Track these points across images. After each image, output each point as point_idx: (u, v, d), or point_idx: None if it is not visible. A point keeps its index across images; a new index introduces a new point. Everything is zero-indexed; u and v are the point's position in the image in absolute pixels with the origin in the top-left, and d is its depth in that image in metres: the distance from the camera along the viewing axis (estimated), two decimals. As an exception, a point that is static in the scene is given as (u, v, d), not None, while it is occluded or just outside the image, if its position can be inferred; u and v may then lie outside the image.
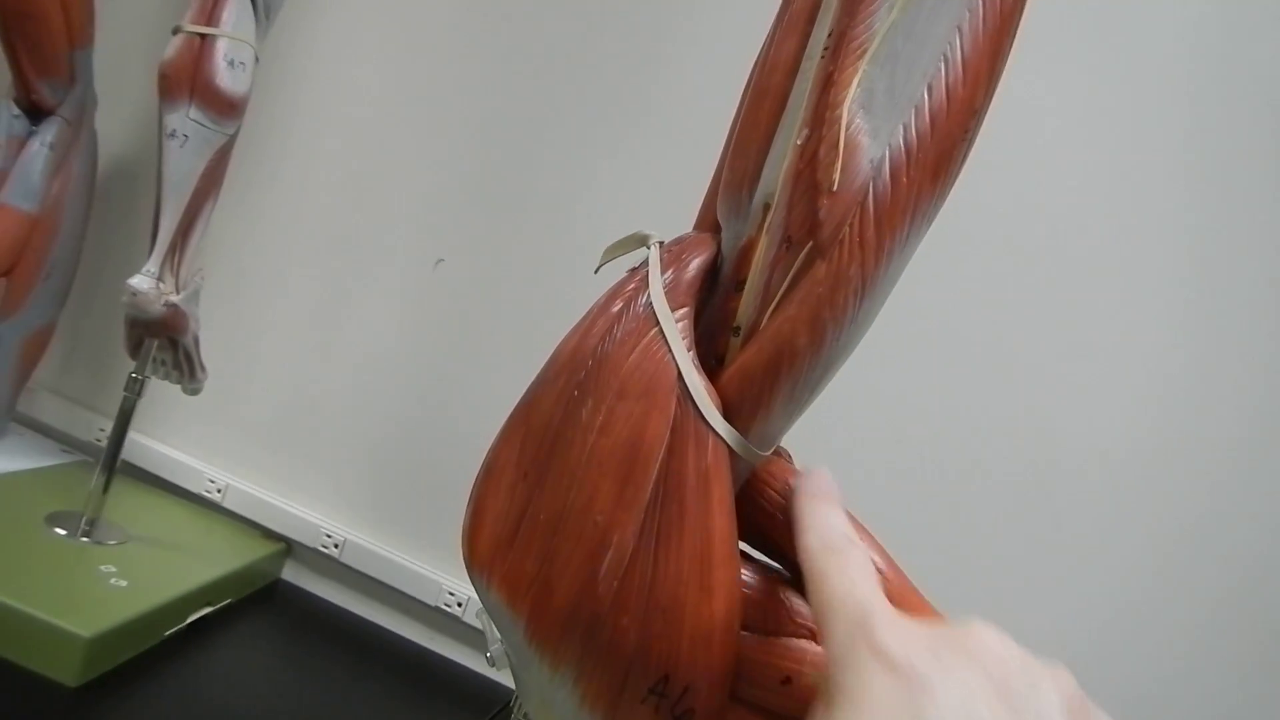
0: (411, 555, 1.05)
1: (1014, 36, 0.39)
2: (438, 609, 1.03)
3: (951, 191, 0.39)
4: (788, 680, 0.38)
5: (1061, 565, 0.95)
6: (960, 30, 0.37)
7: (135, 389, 0.88)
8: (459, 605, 1.02)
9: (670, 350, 0.39)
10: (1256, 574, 0.92)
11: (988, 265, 0.95)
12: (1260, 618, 0.92)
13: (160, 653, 0.80)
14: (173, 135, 0.82)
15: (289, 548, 1.07)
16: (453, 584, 1.03)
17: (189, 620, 0.85)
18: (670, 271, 0.41)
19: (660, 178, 0.99)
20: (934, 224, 0.39)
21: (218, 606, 0.90)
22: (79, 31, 0.88)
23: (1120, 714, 0.30)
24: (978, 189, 0.76)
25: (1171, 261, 0.93)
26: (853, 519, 0.40)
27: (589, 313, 0.41)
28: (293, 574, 1.08)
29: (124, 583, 0.80)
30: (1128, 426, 0.94)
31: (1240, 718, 0.93)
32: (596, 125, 1.01)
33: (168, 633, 0.82)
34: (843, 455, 0.94)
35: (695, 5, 0.99)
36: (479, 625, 1.01)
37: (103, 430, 1.07)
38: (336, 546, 1.05)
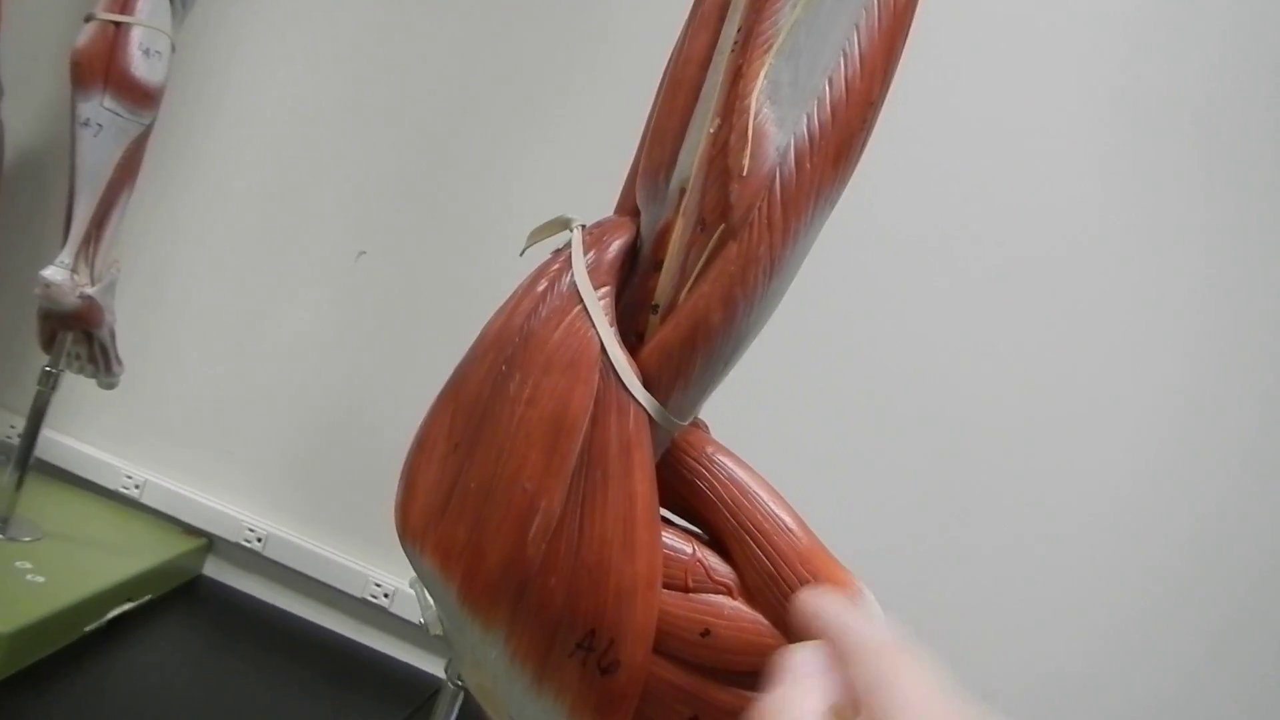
0: (337, 547, 1.05)
1: (907, 34, 0.42)
2: (364, 601, 1.03)
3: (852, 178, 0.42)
4: (707, 632, 0.40)
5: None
6: (858, 28, 0.41)
7: (49, 383, 0.87)
8: (386, 596, 1.02)
9: (594, 326, 0.41)
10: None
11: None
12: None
13: (80, 649, 0.79)
14: (86, 124, 0.81)
15: (210, 543, 1.06)
16: (380, 575, 1.03)
17: (109, 616, 0.84)
18: (592, 253, 0.43)
19: (581, 164, 1.01)
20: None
21: (138, 603, 0.89)
22: (-16, 17, 0.87)
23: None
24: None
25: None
26: (765, 484, 0.43)
27: (515, 292, 0.43)
28: (215, 569, 1.07)
29: (41, 578, 0.79)
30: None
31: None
32: (517, 115, 1.03)
33: (88, 629, 0.81)
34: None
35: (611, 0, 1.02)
36: (407, 616, 1.02)
37: (14, 427, 1.04)
38: (259, 540, 1.04)
